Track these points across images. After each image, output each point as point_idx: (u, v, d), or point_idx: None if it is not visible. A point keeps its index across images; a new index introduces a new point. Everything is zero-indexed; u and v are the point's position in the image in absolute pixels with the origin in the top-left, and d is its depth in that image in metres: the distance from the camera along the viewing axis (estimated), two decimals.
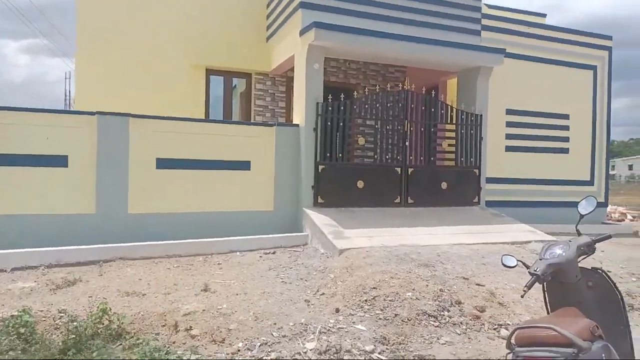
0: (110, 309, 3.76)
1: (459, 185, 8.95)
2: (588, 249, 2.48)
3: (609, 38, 11.64)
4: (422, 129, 8.78)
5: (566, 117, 11.01)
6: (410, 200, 8.50)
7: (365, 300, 4.32)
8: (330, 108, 8.10)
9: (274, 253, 6.54)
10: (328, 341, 3.59)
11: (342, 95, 8.26)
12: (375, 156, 8.52)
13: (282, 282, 5.13)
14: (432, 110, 8.82)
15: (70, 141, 6.98)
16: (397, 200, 8.44)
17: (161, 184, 7.42)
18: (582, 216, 2.73)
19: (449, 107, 9.08)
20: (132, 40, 9.46)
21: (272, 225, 7.85)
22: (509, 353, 2.13)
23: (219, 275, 5.42)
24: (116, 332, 3.64)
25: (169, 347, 3.47)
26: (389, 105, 8.57)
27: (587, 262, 2.52)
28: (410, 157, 8.60)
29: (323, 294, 4.70)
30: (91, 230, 6.83)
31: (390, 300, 4.27)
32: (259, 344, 3.56)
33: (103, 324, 3.65)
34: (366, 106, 8.48)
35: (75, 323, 3.55)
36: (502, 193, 9.96)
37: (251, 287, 4.91)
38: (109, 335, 3.59)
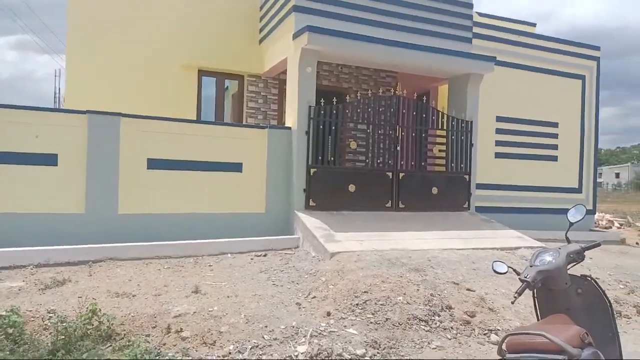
0: (100, 310, 3.73)
1: (449, 190, 9.02)
2: (577, 257, 2.52)
3: (597, 48, 11.84)
4: (413, 134, 8.84)
5: (555, 125, 11.16)
6: (401, 205, 8.55)
7: (357, 304, 4.33)
8: (322, 112, 8.12)
9: (265, 255, 6.54)
10: (319, 345, 3.60)
11: (334, 99, 8.29)
12: (367, 160, 8.56)
13: (274, 284, 5.13)
14: (423, 115, 8.89)
15: (61, 140, 6.92)
16: (388, 205, 8.48)
17: (152, 185, 7.38)
18: (571, 224, 2.78)
19: (440, 113, 9.16)
20: (124, 39, 9.41)
21: (264, 227, 7.84)
22: (500, 359, 2.16)
23: (209, 277, 5.40)
24: (106, 334, 3.62)
25: (159, 349, 3.45)
26: (380, 110, 8.62)
27: (576, 270, 2.56)
28: (402, 162, 8.66)
29: (314, 297, 4.70)
30: (80, 230, 6.76)
31: (381, 305, 4.30)
32: (250, 346, 3.56)
33: (93, 325, 3.63)
34: (358, 110, 8.52)
35: (64, 324, 3.52)
36: (492, 199, 10.07)
37: (242, 289, 4.91)
38: (98, 337, 3.57)
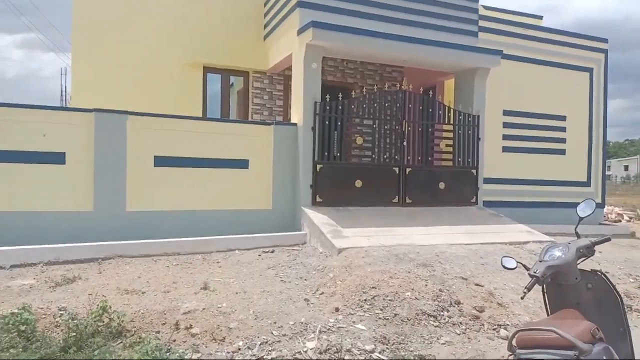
0: (110, 307, 3.77)
1: (456, 185, 8.99)
2: (587, 251, 2.51)
3: (605, 41, 11.72)
4: (420, 129, 8.81)
5: (563, 118, 11.07)
6: (408, 200, 8.53)
7: (365, 300, 4.34)
8: (328, 107, 8.11)
9: (272, 252, 6.55)
10: (328, 340, 3.61)
11: (340, 95, 8.28)
12: (373, 156, 8.55)
13: (282, 281, 5.15)
14: (430, 110, 8.85)
15: (68, 138, 6.96)
16: (395, 200, 8.47)
17: (159, 182, 7.42)
18: (581, 219, 2.77)
19: (447, 107, 9.12)
20: (129, 36, 9.42)
21: (271, 224, 7.86)
22: (510, 355, 2.15)
23: (218, 273, 5.43)
24: (116, 330, 3.65)
25: (169, 346, 3.47)
26: (386, 105, 8.60)
27: (585, 264, 2.54)
28: (408, 157, 8.63)
29: (322, 293, 4.71)
30: (89, 228, 6.82)
31: (389, 300, 4.30)
32: (259, 342, 3.58)
33: (103, 322, 3.66)
34: (364, 106, 8.50)
35: (75, 321, 3.56)
36: (499, 193, 10.02)
37: (250, 285, 4.93)
38: (109, 334, 3.60)
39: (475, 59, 9.05)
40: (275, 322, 3.92)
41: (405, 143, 8.60)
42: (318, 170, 8.02)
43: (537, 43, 10.77)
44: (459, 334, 3.90)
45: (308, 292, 4.79)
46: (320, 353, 3.45)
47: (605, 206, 13.07)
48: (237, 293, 4.65)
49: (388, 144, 8.57)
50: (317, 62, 8.12)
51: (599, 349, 2.06)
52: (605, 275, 2.56)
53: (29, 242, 6.03)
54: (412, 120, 8.71)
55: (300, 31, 8.05)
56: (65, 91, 27.65)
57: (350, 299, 4.41)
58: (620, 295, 2.54)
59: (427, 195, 8.71)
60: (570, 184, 11.06)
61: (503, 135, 10.45)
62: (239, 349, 3.50)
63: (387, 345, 3.64)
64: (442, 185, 8.84)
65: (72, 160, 6.96)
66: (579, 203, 2.84)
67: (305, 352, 3.46)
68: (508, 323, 4.12)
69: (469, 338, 3.86)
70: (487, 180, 9.57)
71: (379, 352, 3.53)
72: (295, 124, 8.30)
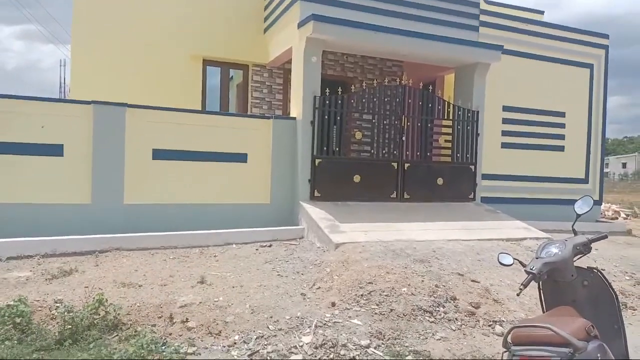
0: (107, 300, 3.77)
1: (454, 181, 8.98)
2: (584, 249, 2.51)
3: (606, 37, 11.67)
4: (419, 124, 8.79)
5: (562, 114, 11.05)
6: (406, 195, 8.53)
7: (361, 295, 4.34)
8: (327, 102, 8.08)
9: (270, 246, 6.55)
10: (324, 335, 3.62)
11: (339, 89, 8.25)
12: (372, 150, 8.53)
13: (279, 275, 5.15)
14: (429, 105, 8.83)
15: (66, 130, 6.93)
16: (393, 195, 8.47)
17: (157, 175, 7.40)
18: (578, 216, 2.77)
19: (446, 102, 9.09)
20: (129, 29, 9.37)
21: (269, 218, 7.86)
22: (505, 352, 2.16)
23: (215, 267, 5.43)
24: (112, 323, 3.65)
25: (165, 339, 3.48)
26: (386, 99, 8.57)
27: (582, 261, 2.54)
28: (407, 152, 8.62)
29: (319, 287, 4.72)
30: (86, 220, 6.81)
31: (386, 295, 4.30)
32: (255, 336, 3.58)
33: (99, 314, 3.66)
34: (363, 100, 8.47)
35: (71, 313, 3.56)
36: (497, 189, 10.02)
37: (247, 279, 4.93)
38: (105, 326, 3.60)
39: (475, 53, 9.02)
40: (271, 317, 3.92)
41: (404, 138, 8.58)
42: (317, 164, 8.00)
43: (537, 38, 10.72)
44: (455, 330, 3.91)
45: (305, 286, 4.79)
46: (316, 348, 3.46)
47: (603, 203, 13.08)
48: (233, 287, 4.66)
49: (387, 139, 8.55)
50: (317, 55, 8.08)
51: (594, 346, 2.07)
52: (601, 273, 2.56)
53: (26, 234, 6.02)
54: (411, 115, 8.69)
55: (301, 24, 8.00)
56: (64, 83, 27.53)
57: (347, 294, 4.42)
58: (615, 293, 2.55)
59: (425, 191, 8.70)
60: (568, 180, 11.06)
61: (502, 131, 10.43)
62: (235, 343, 3.51)
63: (382, 340, 3.65)
64: (440, 180, 8.84)
65: (70, 152, 6.94)
66: (576, 200, 2.83)
67: (301, 346, 3.47)
68: (503, 319, 4.13)
69: (464, 334, 3.87)
70: (486, 176, 9.56)
71: (375, 348, 3.54)
72: (294, 118, 8.28)
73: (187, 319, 3.83)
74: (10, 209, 6.59)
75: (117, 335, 3.54)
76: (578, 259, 2.50)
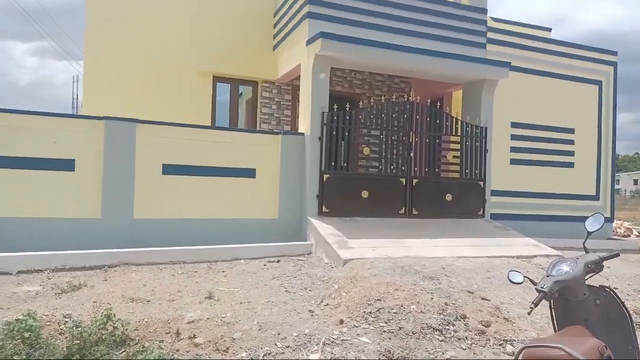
0: (115, 315, 3.76)
1: (463, 197, 8.94)
2: (596, 267, 2.47)
3: (614, 53, 11.68)
4: (427, 140, 8.79)
5: (571, 131, 11.01)
6: (414, 211, 8.50)
7: (370, 312, 4.30)
8: (335, 117, 8.13)
9: (278, 262, 6.54)
10: (332, 353, 3.58)
11: (347, 105, 8.30)
12: (380, 166, 8.54)
13: (286, 291, 5.13)
14: (437, 121, 8.84)
15: (78, 145, 7.03)
16: (402, 211, 8.44)
17: (167, 190, 7.46)
18: (589, 233, 2.74)
19: (454, 118, 9.10)
20: (140, 45, 9.54)
21: (277, 233, 7.86)
22: None
23: (223, 282, 5.42)
24: (120, 339, 3.64)
25: (172, 355, 3.47)
26: (394, 115, 8.60)
27: (594, 280, 2.51)
28: (415, 168, 8.61)
29: (327, 304, 4.69)
30: (97, 235, 6.85)
31: (394, 313, 4.26)
32: (262, 354, 3.56)
33: (107, 330, 3.65)
34: (371, 116, 8.51)
35: (79, 328, 3.55)
36: (507, 206, 9.95)
37: (255, 295, 4.91)
38: (113, 342, 3.59)
39: (483, 70, 9.05)
40: (279, 333, 3.89)
41: (412, 154, 8.58)
42: (325, 180, 8.02)
43: (545, 55, 10.75)
44: (465, 349, 3.85)
45: (312, 303, 4.76)
46: None
47: (614, 220, 12.92)
48: (241, 303, 4.64)
49: (395, 155, 8.56)
50: (326, 72, 8.16)
51: None
52: (613, 292, 2.52)
53: (37, 248, 6.07)
54: (419, 131, 8.70)
55: (309, 42, 8.10)
56: (77, 98, 27.93)
57: (355, 311, 4.38)
58: (629, 312, 2.50)
59: (433, 207, 8.66)
60: (578, 197, 10.96)
61: (511, 147, 10.40)
62: None
63: (391, 359, 3.61)
64: (449, 196, 8.80)
65: (81, 167, 7.02)
66: (587, 217, 2.81)
67: None
68: (514, 339, 4.07)
69: (474, 353, 3.81)
70: (495, 193, 9.51)
71: None
72: (302, 134, 8.32)
73: (194, 335, 3.81)
74: (22, 223, 6.65)
75: (124, 350, 3.52)
76: (590, 277, 2.47)
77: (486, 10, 9.59)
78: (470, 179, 9.04)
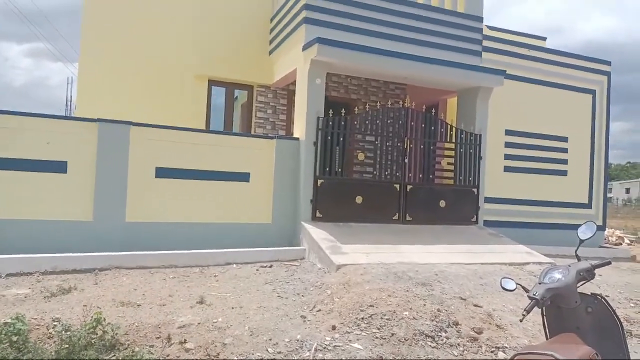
0: (105, 319, 3.72)
1: (457, 203, 8.96)
2: (587, 275, 2.48)
3: (608, 63, 11.78)
4: (422, 147, 8.82)
5: (565, 139, 11.08)
6: (408, 217, 8.50)
7: (362, 318, 4.29)
8: (330, 123, 8.13)
9: (270, 267, 6.51)
10: (324, 359, 3.56)
11: (342, 111, 8.30)
12: (375, 172, 8.54)
13: (279, 296, 5.10)
14: (432, 128, 8.87)
15: (71, 147, 6.98)
16: (395, 217, 8.44)
17: (160, 193, 7.41)
18: (581, 241, 2.74)
19: (449, 125, 9.14)
20: (136, 48, 9.52)
21: (270, 238, 7.83)
22: None
23: (215, 287, 5.38)
24: (110, 343, 3.60)
25: None
26: (389, 122, 8.62)
27: (585, 287, 2.51)
28: (409, 174, 8.62)
29: (319, 310, 4.66)
30: (88, 238, 6.79)
31: (387, 319, 4.25)
32: (254, 359, 3.53)
33: (97, 334, 3.61)
34: (366, 122, 8.52)
35: (68, 332, 3.51)
36: (500, 213, 9.98)
37: (247, 300, 4.88)
38: (102, 346, 3.55)
39: (478, 78, 9.10)
40: (270, 339, 3.87)
41: (406, 160, 8.60)
42: (319, 185, 8.01)
43: (540, 64, 10.83)
44: (457, 356, 3.84)
45: (305, 308, 4.74)
46: None
47: (606, 229, 13.00)
48: (233, 308, 4.61)
49: (389, 161, 8.57)
50: (322, 77, 8.17)
51: None
52: (605, 299, 2.52)
53: (27, 250, 6.00)
54: (414, 138, 8.72)
55: (306, 47, 8.11)
56: (71, 100, 27.83)
57: (348, 317, 4.36)
58: (620, 320, 2.50)
59: (427, 213, 8.67)
60: (571, 205, 11.02)
61: (505, 154, 10.45)
62: None
63: None
64: (442, 203, 8.82)
65: (74, 169, 6.97)
66: (579, 225, 2.81)
67: None
68: (507, 346, 4.06)
69: None
70: (488, 200, 9.54)
71: None
72: (297, 139, 8.32)
73: (185, 339, 3.78)
74: (12, 225, 6.58)
75: (114, 355, 3.48)
76: (581, 285, 2.47)
77: (482, 18, 9.65)
78: (464, 186, 9.06)
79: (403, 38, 8.86)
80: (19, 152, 6.72)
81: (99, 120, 7.14)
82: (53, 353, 3.38)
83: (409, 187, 8.57)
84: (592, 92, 11.45)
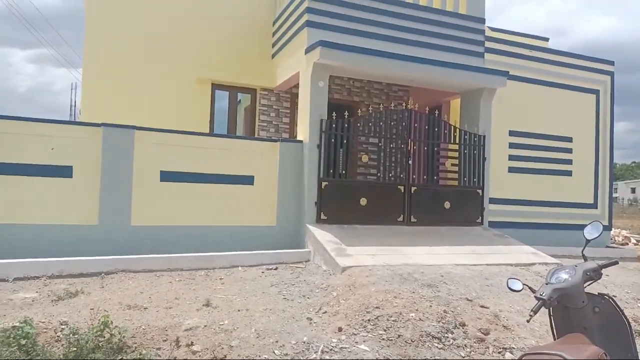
0: (112, 322, 3.73)
1: (462, 204, 8.95)
2: (594, 275, 2.47)
3: (611, 63, 11.75)
4: (426, 148, 8.82)
5: (569, 139, 11.05)
6: (413, 219, 8.50)
7: (368, 320, 4.28)
8: (334, 125, 8.15)
9: (276, 269, 6.52)
10: None
11: (346, 113, 8.32)
12: (379, 174, 8.55)
13: (285, 298, 5.10)
14: (436, 129, 8.87)
15: (76, 152, 7.02)
16: (400, 219, 8.43)
17: (164, 197, 7.44)
18: (588, 241, 2.74)
19: (452, 127, 9.14)
20: (139, 53, 9.57)
21: (275, 240, 7.84)
22: None
23: (221, 290, 5.39)
24: (117, 346, 3.61)
25: None
26: (392, 123, 8.63)
27: (592, 287, 2.51)
28: (414, 176, 8.62)
29: (325, 312, 4.67)
30: (94, 242, 6.83)
31: (393, 321, 4.24)
32: None
33: (104, 337, 3.62)
34: (370, 124, 8.53)
35: (76, 336, 3.53)
36: (505, 214, 9.95)
37: (253, 303, 4.89)
38: (110, 349, 3.56)
39: (481, 79, 9.10)
40: (277, 341, 3.87)
41: (410, 162, 8.60)
42: (323, 187, 8.02)
43: (543, 64, 10.81)
44: (464, 357, 3.83)
45: (311, 310, 4.74)
46: None
47: (612, 229, 12.94)
48: (239, 310, 4.62)
49: (393, 163, 8.58)
50: (324, 80, 8.18)
51: None
52: (612, 299, 2.52)
53: (34, 255, 6.04)
54: (417, 139, 8.72)
55: (308, 50, 8.13)
56: (75, 105, 27.99)
57: (354, 318, 4.36)
58: (628, 320, 2.50)
59: (432, 215, 8.67)
60: (576, 205, 10.97)
61: (509, 155, 10.42)
62: None
63: None
64: (447, 204, 8.81)
65: (79, 173, 7.01)
66: (585, 225, 2.81)
67: None
68: (514, 346, 4.05)
69: None
70: (493, 201, 9.52)
71: None
72: (301, 141, 8.33)
73: (192, 342, 3.79)
74: (19, 229, 6.63)
75: (121, 358, 3.50)
76: (588, 285, 2.46)
77: (484, 19, 9.65)
78: (468, 187, 9.05)
79: (405, 40, 8.87)
80: (25, 158, 6.77)
81: (103, 124, 7.19)
82: (61, 356, 3.39)
83: (413, 188, 8.57)
84: (596, 92, 11.41)
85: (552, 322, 2.57)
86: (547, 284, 2.44)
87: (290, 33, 9.18)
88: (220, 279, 5.94)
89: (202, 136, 8.16)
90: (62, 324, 4.01)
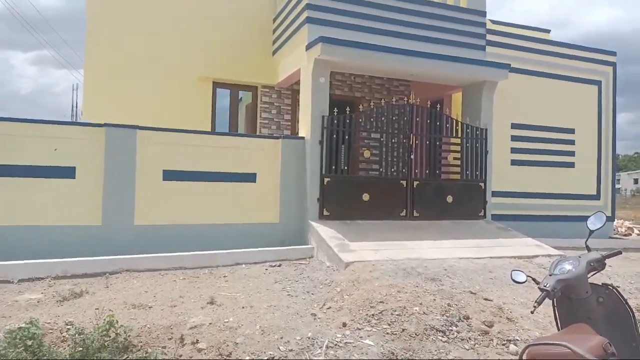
0: (117, 322, 3.75)
1: (464, 198, 8.94)
2: (598, 265, 2.47)
3: (613, 54, 11.69)
4: (427, 142, 8.80)
5: (571, 131, 11.01)
6: (415, 214, 8.49)
7: (373, 315, 4.29)
8: (335, 121, 8.14)
9: (279, 266, 6.53)
10: (335, 356, 3.57)
11: (347, 109, 8.31)
12: (381, 169, 8.54)
13: (289, 295, 5.12)
14: (437, 123, 8.85)
15: (78, 153, 7.04)
16: (403, 213, 8.43)
17: (167, 196, 7.46)
18: (591, 232, 2.74)
19: (454, 120, 9.11)
20: (140, 52, 9.57)
21: (278, 237, 7.85)
22: None
23: (225, 287, 5.41)
24: (123, 345, 3.63)
25: None
26: (394, 118, 8.61)
27: (596, 278, 2.51)
28: (416, 170, 8.61)
29: (329, 307, 4.68)
30: (97, 242, 6.85)
31: (397, 315, 4.25)
32: (266, 358, 3.54)
33: (110, 336, 3.64)
34: (371, 119, 8.52)
35: (82, 335, 3.55)
36: (508, 207, 9.94)
37: (257, 300, 4.90)
38: (115, 348, 3.58)
39: (482, 72, 9.07)
40: (282, 337, 3.88)
41: (412, 156, 8.59)
42: (325, 183, 8.02)
43: (545, 56, 10.77)
44: (468, 350, 3.84)
45: (315, 306, 4.75)
46: None
47: (615, 220, 12.91)
48: (243, 307, 4.63)
49: (395, 157, 8.57)
50: (326, 76, 8.17)
51: None
52: (616, 290, 2.51)
53: (38, 256, 6.06)
54: (419, 134, 8.71)
55: (309, 46, 8.12)
56: (76, 106, 28.04)
57: (358, 313, 4.37)
58: (632, 310, 2.50)
59: (435, 209, 8.66)
60: (579, 197, 10.95)
61: (511, 148, 10.40)
62: None
63: None
64: (449, 198, 8.80)
65: (82, 174, 7.03)
66: (588, 216, 2.81)
67: None
68: (518, 338, 4.05)
69: (478, 354, 3.79)
70: (496, 194, 9.51)
71: None
72: (303, 138, 8.33)
73: (197, 340, 3.80)
74: (23, 231, 6.66)
75: (127, 357, 3.51)
76: (592, 275, 2.46)
77: (485, 12, 9.62)
78: (471, 180, 9.04)
79: (406, 35, 8.85)
80: (28, 159, 6.79)
81: (105, 125, 7.20)
82: (67, 356, 3.41)
83: (415, 183, 8.56)
84: (598, 83, 11.37)
85: (556, 313, 2.57)
86: (550, 275, 2.43)
87: (291, 30, 9.17)
88: (224, 276, 5.95)
89: (204, 135, 8.17)
90: (67, 325, 4.02)
